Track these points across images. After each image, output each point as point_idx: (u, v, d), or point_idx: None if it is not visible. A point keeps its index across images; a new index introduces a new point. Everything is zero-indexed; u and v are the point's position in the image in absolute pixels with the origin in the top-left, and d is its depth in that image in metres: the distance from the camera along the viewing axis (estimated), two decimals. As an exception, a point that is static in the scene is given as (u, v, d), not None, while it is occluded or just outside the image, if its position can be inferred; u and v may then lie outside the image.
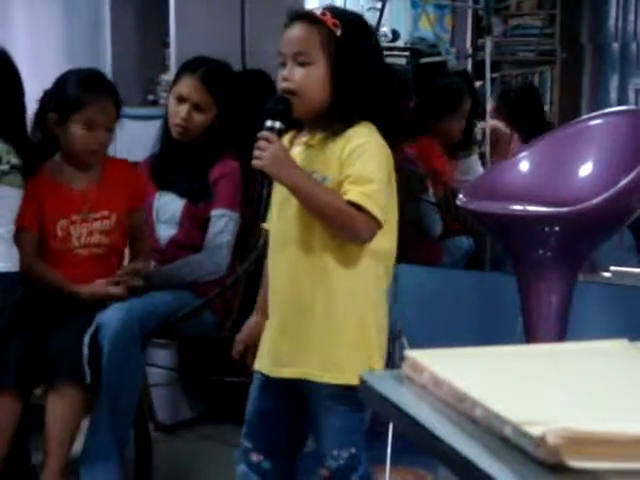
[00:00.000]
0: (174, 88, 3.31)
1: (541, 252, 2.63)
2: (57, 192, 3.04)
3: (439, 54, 4.96)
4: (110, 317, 2.91)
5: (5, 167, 2.93)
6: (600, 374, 1.27)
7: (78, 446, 2.90)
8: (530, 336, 2.68)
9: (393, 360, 3.11)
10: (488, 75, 3.89)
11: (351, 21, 2.24)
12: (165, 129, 3.32)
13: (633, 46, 5.31)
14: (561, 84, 5.42)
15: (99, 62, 4.05)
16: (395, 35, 5.47)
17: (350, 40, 2.18)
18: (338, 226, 2.16)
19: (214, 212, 3.23)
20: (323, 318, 2.20)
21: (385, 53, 3.67)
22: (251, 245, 3.21)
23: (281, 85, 2.19)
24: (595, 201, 2.53)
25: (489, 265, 3.83)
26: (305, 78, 2.16)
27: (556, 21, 5.51)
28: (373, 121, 2.19)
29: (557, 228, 2.60)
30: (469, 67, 5.42)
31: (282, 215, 2.23)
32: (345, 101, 2.18)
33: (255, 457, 2.33)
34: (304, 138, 2.24)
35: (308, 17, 2.19)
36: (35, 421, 2.85)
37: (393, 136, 2.22)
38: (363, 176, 2.14)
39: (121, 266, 3.13)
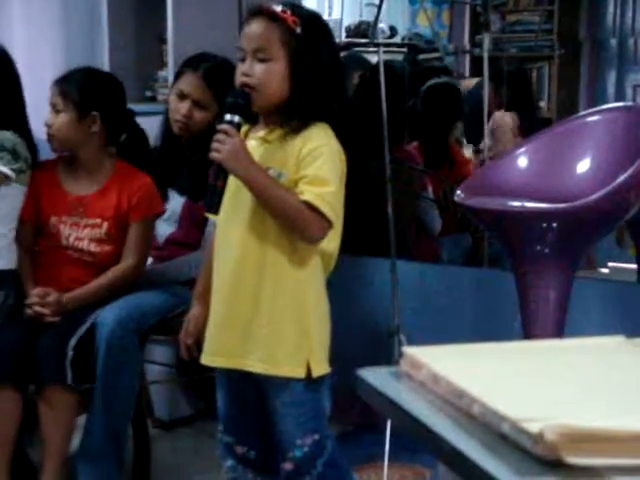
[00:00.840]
0: (175, 84, 3.30)
1: (539, 248, 2.63)
2: (55, 191, 3.04)
3: (436, 50, 4.96)
4: (107, 316, 2.90)
5: (22, 165, 2.94)
6: (598, 370, 1.27)
7: (76, 443, 2.91)
8: (528, 332, 2.68)
9: (391, 356, 3.11)
10: (486, 72, 3.89)
11: (310, 19, 2.27)
12: (166, 125, 3.31)
13: (631, 42, 5.30)
14: (559, 80, 5.41)
15: (97, 58, 4.05)
16: (393, 31, 5.48)
17: (309, 38, 2.21)
18: (291, 224, 2.19)
19: (212, 210, 3.22)
20: (266, 311, 2.23)
21: (383, 49, 3.68)
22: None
23: (240, 80, 2.22)
24: (593, 197, 2.53)
25: (487, 262, 3.83)
26: (265, 74, 2.19)
27: (554, 17, 5.51)
28: (329, 122, 2.22)
29: (555, 224, 2.60)
30: (467, 63, 5.42)
31: (234, 206, 2.25)
32: (303, 98, 2.21)
33: (240, 449, 2.38)
34: (260, 133, 2.27)
35: (268, 13, 2.21)
36: (31, 417, 2.86)
37: (345, 138, 2.25)
38: (319, 178, 2.17)
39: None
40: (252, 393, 2.32)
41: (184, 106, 3.22)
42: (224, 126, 2.18)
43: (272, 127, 2.25)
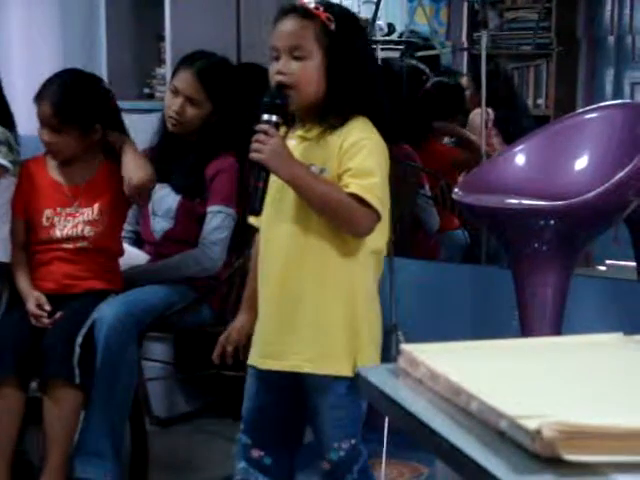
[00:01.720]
0: (171, 80, 3.31)
1: (537, 246, 2.63)
2: (47, 184, 3.03)
3: (433, 48, 4.96)
4: (106, 312, 2.90)
5: (17, 157, 2.94)
6: (596, 368, 1.27)
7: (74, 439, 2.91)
8: (526, 330, 2.68)
9: (389, 354, 3.11)
10: (484, 69, 3.89)
11: (344, 15, 2.25)
12: (163, 121, 3.31)
13: (629, 40, 5.30)
14: (557, 77, 5.41)
15: (95, 56, 4.05)
16: (391, 29, 5.47)
17: (343, 34, 2.19)
18: (339, 218, 2.16)
19: (210, 208, 3.22)
20: (314, 311, 2.20)
21: (381, 47, 3.68)
22: (248, 240, 3.20)
23: (276, 79, 2.18)
24: (591, 195, 2.53)
25: (485, 259, 3.83)
26: (302, 72, 2.16)
27: (552, 15, 5.51)
28: (368, 116, 2.20)
29: (553, 222, 2.60)
30: (464, 61, 5.42)
31: (277, 208, 2.22)
32: (340, 95, 2.18)
33: (256, 453, 2.32)
34: (298, 131, 2.24)
35: (302, 11, 2.19)
36: (32, 414, 2.85)
37: (385, 131, 2.23)
38: (364, 169, 2.14)
39: (110, 266, 3.08)
40: (290, 396, 2.28)
41: (176, 102, 3.22)
42: (263, 126, 2.12)
43: (310, 125, 2.21)
